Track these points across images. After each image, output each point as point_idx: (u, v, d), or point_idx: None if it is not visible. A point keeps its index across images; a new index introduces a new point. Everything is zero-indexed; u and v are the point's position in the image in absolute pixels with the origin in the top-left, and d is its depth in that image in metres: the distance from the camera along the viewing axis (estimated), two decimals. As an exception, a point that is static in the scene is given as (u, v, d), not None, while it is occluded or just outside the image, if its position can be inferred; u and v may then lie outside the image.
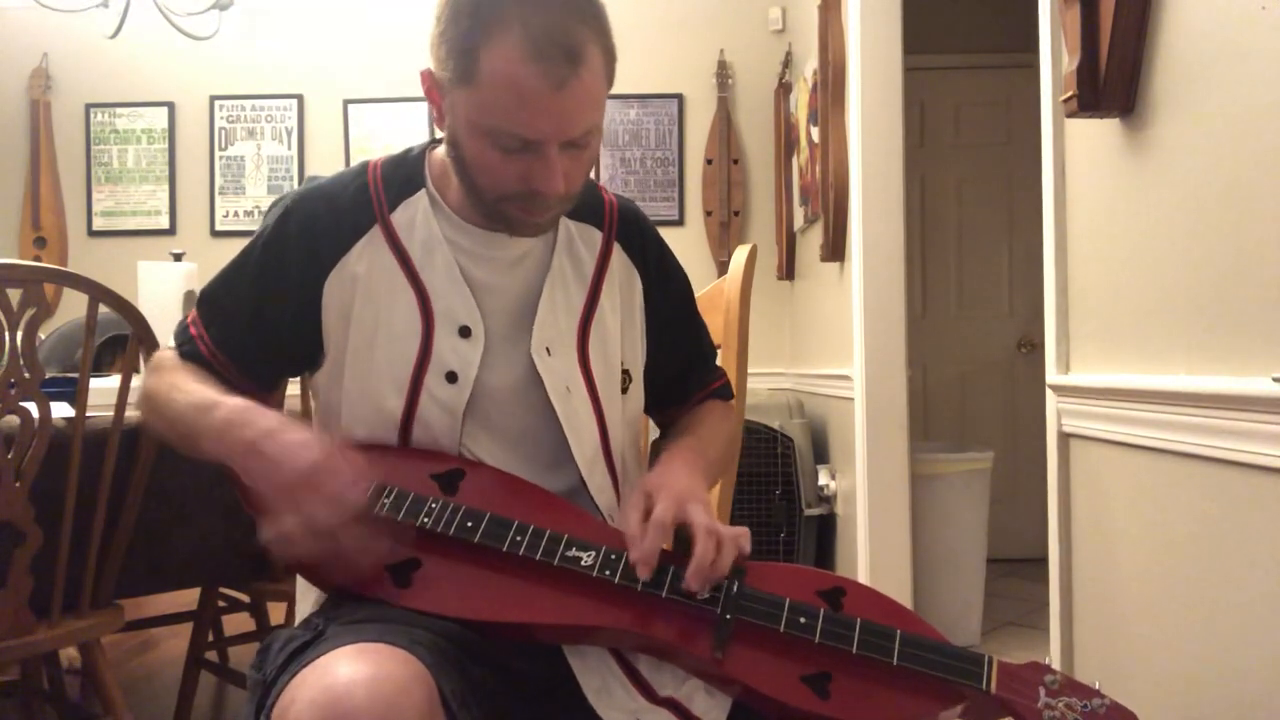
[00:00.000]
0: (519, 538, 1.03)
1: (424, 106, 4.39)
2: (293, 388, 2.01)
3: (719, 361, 1.44)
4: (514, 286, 1.17)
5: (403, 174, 1.18)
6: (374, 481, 1.06)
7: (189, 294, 2.23)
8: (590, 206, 1.24)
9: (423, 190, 1.17)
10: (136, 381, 1.89)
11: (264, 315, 1.16)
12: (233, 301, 1.18)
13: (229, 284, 1.19)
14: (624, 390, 1.23)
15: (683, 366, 1.33)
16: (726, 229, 4.37)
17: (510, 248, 1.16)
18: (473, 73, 1.01)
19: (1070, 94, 1.46)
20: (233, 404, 1.06)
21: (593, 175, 1.20)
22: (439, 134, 1.14)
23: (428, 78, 1.08)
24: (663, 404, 1.34)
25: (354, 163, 1.50)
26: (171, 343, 1.22)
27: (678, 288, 1.32)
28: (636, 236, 1.27)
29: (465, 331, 1.13)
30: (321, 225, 1.14)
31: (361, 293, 1.13)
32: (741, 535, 1.04)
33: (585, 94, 1.02)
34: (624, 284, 1.24)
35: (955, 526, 3.21)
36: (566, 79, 0.99)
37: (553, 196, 1.06)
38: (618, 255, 1.24)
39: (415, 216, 1.15)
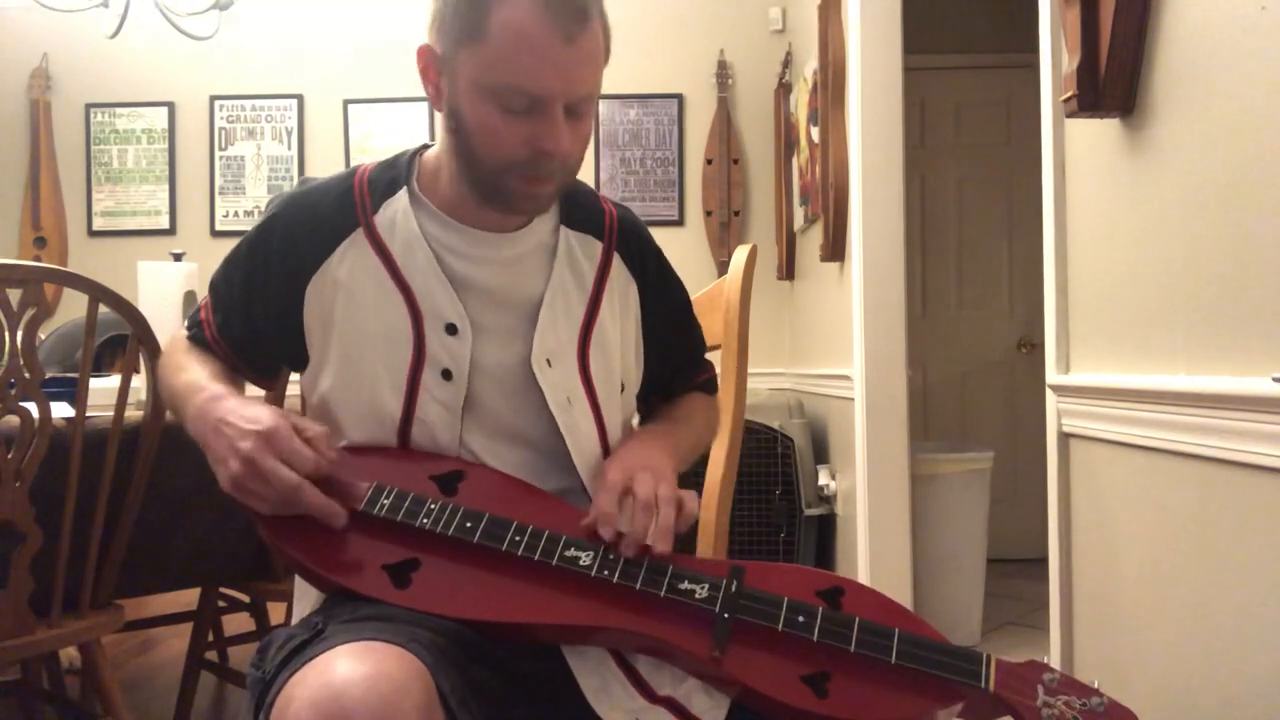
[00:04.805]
0: (517, 538, 1.03)
1: (424, 107, 4.39)
2: (293, 388, 2.02)
3: (717, 361, 1.45)
4: (508, 288, 1.17)
5: (389, 176, 1.19)
6: (370, 481, 1.06)
7: (189, 294, 2.23)
8: (590, 217, 1.24)
9: (403, 189, 1.17)
10: (137, 381, 1.89)
11: (252, 313, 1.19)
12: (229, 295, 1.21)
13: (227, 276, 1.22)
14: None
15: (673, 369, 1.35)
16: (726, 229, 4.37)
17: (503, 248, 1.16)
18: (482, 28, 1.02)
19: (1070, 94, 1.46)
20: (212, 391, 1.10)
21: (593, 177, 1.20)
22: (437, 138, 1.14)
23: (425, 53, 1.09)
24: (647, 396, 1.35)
25: (354, 163, 1.51)
26: (185, 325, 1.27)
27: (674, 296, 1.33)
28: (636, 247, 1.28)
29: (451, 329, 1.13)
30: (303, 232, 1.16)
31: (344, 297, 1.14)
32: (680, 496, 1.08)
33: (591, 50, 1.05)
34: (622, 294, 1.25)
35: (955, 526, 3.20)
36: (576, 33, 1.02)
37: (557, 158, 1.07)
38: (617, 266, 1.25)
39: (395, 216, 1.16)
